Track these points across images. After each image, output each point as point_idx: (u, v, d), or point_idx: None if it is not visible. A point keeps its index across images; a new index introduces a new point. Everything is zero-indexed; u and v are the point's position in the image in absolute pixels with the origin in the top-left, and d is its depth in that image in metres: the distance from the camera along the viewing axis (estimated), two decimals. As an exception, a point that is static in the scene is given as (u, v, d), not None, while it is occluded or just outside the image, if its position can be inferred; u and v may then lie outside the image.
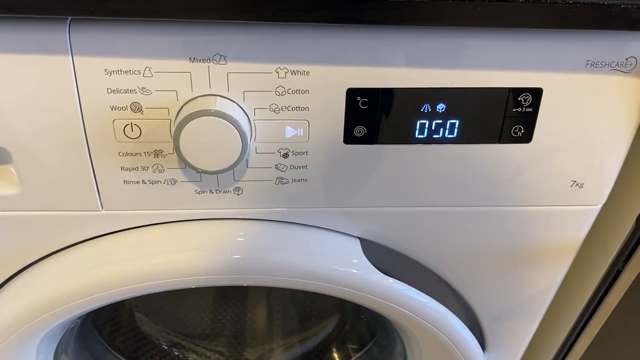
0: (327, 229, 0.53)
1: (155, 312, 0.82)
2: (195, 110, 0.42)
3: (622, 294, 0.59)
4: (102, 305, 0.53)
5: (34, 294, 0.51)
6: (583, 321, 0.64)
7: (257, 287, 0.86)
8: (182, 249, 0.51)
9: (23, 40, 0.40)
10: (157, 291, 0.53)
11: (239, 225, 0.51)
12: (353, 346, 0.81)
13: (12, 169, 0.47)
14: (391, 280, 0.54)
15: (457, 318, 0.58)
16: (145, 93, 0.43)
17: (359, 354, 0.83)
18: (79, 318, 0.69)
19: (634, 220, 0.55)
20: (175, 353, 0.83)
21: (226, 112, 0.42)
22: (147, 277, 0.51)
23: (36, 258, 0.52)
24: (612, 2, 0.38)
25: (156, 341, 0.82)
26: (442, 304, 0.58)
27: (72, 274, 0.51)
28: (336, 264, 0.52)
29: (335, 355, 0.86)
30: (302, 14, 0.38)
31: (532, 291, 0.60)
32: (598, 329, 0.63)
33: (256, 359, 0.86)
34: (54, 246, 0.51)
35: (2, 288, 0.53)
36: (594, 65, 0.44)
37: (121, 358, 0.78)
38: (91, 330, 0.76)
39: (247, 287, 0.85)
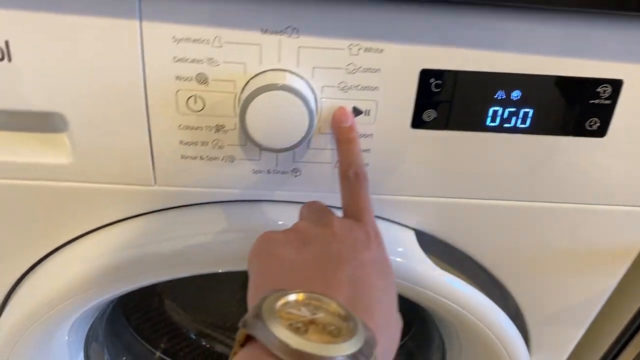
0: (383, 218, 0.51)
1: (185, 300, 0.80)
2: (264, 84, 0.40)
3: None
4: (144, 285, 0.52)
5: (76, 271, 0.50)
6: (632, 329, 0.62)
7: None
8: (232, 230, 0.49)
9: (90, 1, 0.38)
10: (202, 272, 0.51)
11: (292, 209, 0.49)
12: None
13: (66, 138, 0.45)
14: (441, 272, 0.52)
15: (506, 316, 0.56)
16: (212, 64, 0.41)
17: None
18: (109, 303, 0.68)
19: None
20: (203, 343, 0.82)
21: (295, 87, 0.40)
22: (191, 259, 0.49)
23: (83, 232, 0.50)
24: None
25: (184, 329, 0.80)
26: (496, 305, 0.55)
27: (113, 253, 0.49)
28: (390, 255, 0.50)
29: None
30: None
31: (585, 295, 0.58)
32: (649, 339, 0.61)
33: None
34: (101, 221, 0.49)
35: (45, 262, 0.52)
36: (679, 58, 0.42)
37: (149, 347, 0.76)
38: (120, 319, 0.74)
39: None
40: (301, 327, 0.27)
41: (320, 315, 0.28)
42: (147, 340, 0.78)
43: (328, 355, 0.25)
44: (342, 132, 0.43)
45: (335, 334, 0.27)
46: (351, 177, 0.41)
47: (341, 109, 0.43)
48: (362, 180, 0.41)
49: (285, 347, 0.25)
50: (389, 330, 0.33)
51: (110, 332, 0.72)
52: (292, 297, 0.29)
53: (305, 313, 0.28)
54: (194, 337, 0.82)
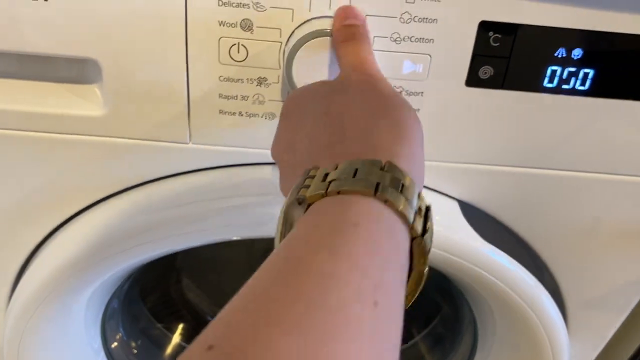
0: (426, 187, 0.48)
1: (202, 280, 0.78)
2: (313, 30, 0.37)
3: None
4: (168, 252, 0.49)
5: (105, 231, 0.47)
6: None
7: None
8: (265, 193, 0.46)
9: None
10: (233, 238, 0.49)
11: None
12: (416, 324, 0.76)
13: (97, 90, 0.43)
14: (483, 243, 0.49)
15: (547, 292, 0.54)
16: (259, 9, 0.38)
17: (422, 334, 0.77)
18: (128, 278, 0.65)
19: None
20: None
21: (347, 35, 0.37)
22: (218, 222, 0.47)
23: (112, 192, 0.47)
24: None
25: (201, 312, 0.78)
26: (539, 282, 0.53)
27: (143, 213, 0.47)
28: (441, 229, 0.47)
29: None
30: None
31: (629, 278, 0.55)
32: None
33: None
34: (133, 180, 0.47)
35: (76, 218, 0.49)
36: None
37: (165, 331, 0.74)
38: (137, 300, 0.71)
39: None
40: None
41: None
42: (163, 323, 0.75)
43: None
44: (349, 28, 0.37)
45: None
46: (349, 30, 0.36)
47: (347, 7, 0.38)
48: (363, 32, 0.36)
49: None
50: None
51: (127, 312, 0.69)
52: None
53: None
54: (210, 318, 0.79)
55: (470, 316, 0.65)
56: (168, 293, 0.76)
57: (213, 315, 0.75)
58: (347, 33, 0.36)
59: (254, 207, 0.46)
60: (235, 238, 0.48)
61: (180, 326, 0.77)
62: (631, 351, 0.65)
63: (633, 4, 0.39)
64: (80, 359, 0.58)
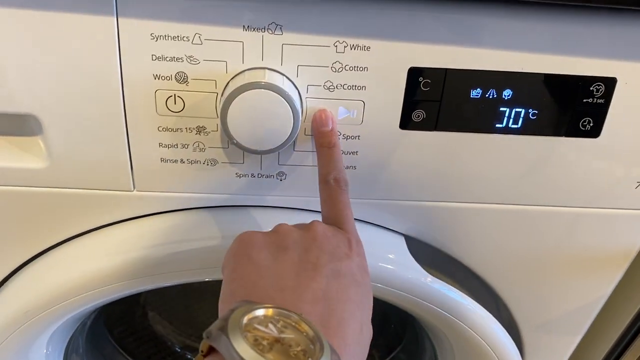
0: (372, 223, 0.49)
1: (169, 311, 0.78)
2: (246, 82, 0.38)
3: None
4: (124, 295, 0.50)
5: (54, 280, 0.47)
6: (629, 336, 0.61)
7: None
8: (213, 237, 0.47)
9: (66, -4, 0.37)
10: (184, 282, 0.49)
11: (279, 215, 0.48)
12: (377, 352, 0.77)
13: (40, 141, 0.43)
14: (432, 279, 0.50)
15: (499, 324, 0.55)
16: (192, 62, 0.39)
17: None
18: (91, 313, 0.65)
19: (695, 229, 0.51)
20: (189, 357, 0.79)
21: (279, 85, 0.38)
22: (172, 267, 0.47)
23: (59, 240, 0.48)
24: None
25: (169, 343, 0.78)
26: (486, 311, 0.54)
27: (94, 260, 0.47)
28: (380, 262, 0.48)
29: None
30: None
31: (581, 301, 0.56)
32: (646, 346, 0.59)
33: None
34: (79, 228, 0.47)
35: (21, 271, 0.49)
36: (674, 56, 0.41)
37: None
38: (102, 330, 0.72)
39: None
40: (265, 345, 0.26)
41: (287, 335, 0.27)
42: (130, 354, 0.75)
43: None
44: (322, 136, 0.41)
45: (299, 357, 0.26)
46: (331, 183, 0.39)
47: (322, 111, 0.42)
48: (342, 186, 0.39)
49: None
50: (361, 346, 0.33)
51: (92, 344, 0.70)
52: (260, 312, 0.28)
53: (272, 330, 0.27)
54: (179, 349, 0.79)
55: (431, 349, 0.65)
56: (134, 327, 0.76)
57: (181, 346, 0.75)
58: (322, 141, 0.41)
59: (201, 251, 0.46)
60: (187, 281, 0.49)
61: (148, 355, 0.78)
62: (588, 372, 0.66)
63: (551, 47, 0.40)
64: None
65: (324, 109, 0.42)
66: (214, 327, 0.27)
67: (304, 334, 0.27)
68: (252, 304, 0.28)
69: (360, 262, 0.37)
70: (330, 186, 0.39)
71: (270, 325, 0.27)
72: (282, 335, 0.27)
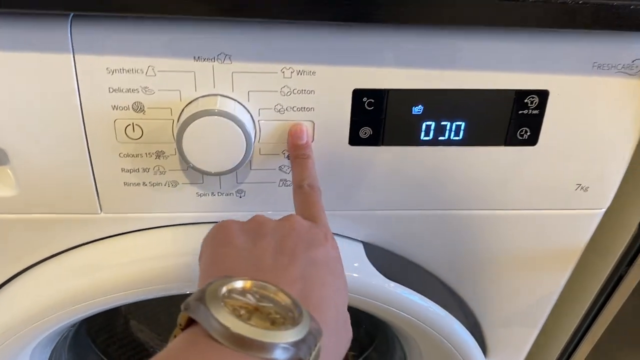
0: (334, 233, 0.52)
1: (151, 318, 0.80)
2: (198, 110, 0.41)
3: (625, 299, 0.59)
4: (98, 311, 0.52)
5: (29, 300, 0.50)
6: (585, 326, 0.64)
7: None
8: (180, 254, 0.49)
9: (23, 36, 0.39)
10: (154, 297, 0.51)
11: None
12: (352, 352, 0.80)
13: (9, 171, 0.45)
14: (393, 284, 0.53)
15: (459, 322, 0.58)
16: (147, 93, 0.42)
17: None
18: (72, 326, 0.68)
19: (637, 224, 0.55)
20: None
21: (229, 111, 0.41)
22: (142, 284, 0.50)
23: (33, 262, 0.50)
24: (621, 2, 0.38)
25: (151, 349, 0.80)
26: (445, 308, 0.57)
27: (67, 280, 0.50)
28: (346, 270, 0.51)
29: None
30: (310, 12, 0.37)
31: (535, 296, 0.60)
32: (600, 335, 0.63)
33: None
34: (51, 250, 0.50)
35: (-2, 293, 0.52)
36: (601, 67, 0.44)
37: (116, 366, 0.76)
38: (85, 339, 0.74)
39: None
40: (244, 314, 0.26)
41: (266, 304, 0.27)
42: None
43: (268, 341, 0.25)
44: (297, 149, 0.43)
45: (279, 322, 0.26)
46: (306, 188, 0.41)
47: (297, 125, 0.44)
48: (316, 192, 0.41)
49: (225, 330, 0.24)
50: (338, 332, 0.33)
51: (75, 354, 0.72)
52: (238, 283, 0.28)
53: (250, 300, 0.27)
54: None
55: (401, 349, 0.68)
56: (117, 335, 0.79)
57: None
58: (297, 153, 0.43)
59: (169, 268, 0.49)
60: (155, 296, 0.51)
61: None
62: (549, 361, 0.70)
63: (486, 64, 0.43)
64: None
65: (299, 123, 0.44)
66: (191, 298, 0.27)
67: (283, 303, 0.28)
68: (230, 277, 0.29)
69: (335, 254, 0.38)
70: (305, 190, 0.41)
71: (249, 296, 0.27)
72: (261, 304, 0.27)
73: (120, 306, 0.77)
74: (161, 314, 0.82)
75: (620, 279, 0.58)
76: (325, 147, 0.46)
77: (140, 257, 0.49)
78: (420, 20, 0.40)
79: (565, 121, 0.46)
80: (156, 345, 0.81)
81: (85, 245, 0.50)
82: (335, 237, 0.51)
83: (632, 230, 0.55)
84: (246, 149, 0.42)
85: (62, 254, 0.50)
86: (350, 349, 0.82)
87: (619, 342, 0.63)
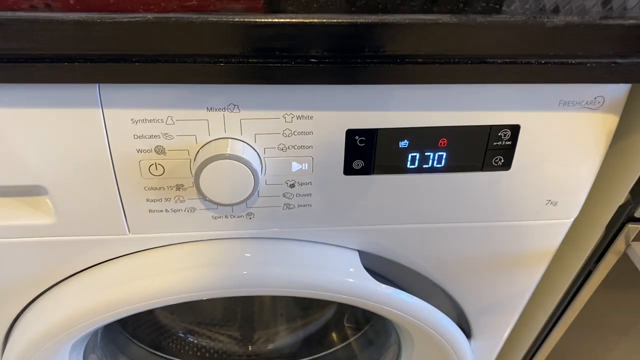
0: (329, 244, 0.59)
1: (172, 305, 0.89)
2: (211, 155, 0.47)
3: (593, 291, 0.66)
4: (127, 315, 0.60)
5: (70, 306, 0.58)
6: (558, 314, 0.72)
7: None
8: (199, 266, 0.57)
9: (60, 97, 0.45)
10: (176, 302, 0.59)
11: (249, 244, 0.57)
12: (350, 326, 0.89)
13: (48, 201, 0.52)
14: (384, 286, 0.61)
15: (444, 315, 0.65)
16: (167, 138, 0.48)
17: (356, 336, 0.90)
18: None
19: (604, 228, 0.61)
20: (190, 339, 0.91)
21: (238, 154, 0.47)
22: (167, 292, 0.57)
23: (70, 274, 0.58)
24: (578, 61, 0.44)
25: (173, 330, 0.89)
26: (432, 302, 0.64)
27: (103, 289, 0.57)
28: (335, 275, 0.58)
29: (334, 336, 0.93)
30: (307, 77, 0.43)
31: (512, 290, 0.67)
32: (571, 322, 0.70)
33: (265, 341, 0.93)
34: (86, 264, 0.57)
35: (38, 300, 0.60)
36: (566, 104, 0.50)
37: (143, 346, 0.85)
38: (116, 326, 0.83)
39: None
40: None
41: None
42: (142, 342, 0.87)
43: None
44: None
45: None
46: None
47: None
48: None
49: None
50: None
51: (106, 339, 0.81)
52: None
53: None
54: (182, 335, 0.91)
55: (395, 331, 0.77)
56: (142, 320, 0.87)
57: (185, 331, 0.87)
58: None
59: (191, 277, 0.56)
60: (177, 302, 0.59)
61: (155, 341, 0.90)
62: (526, 347, 0.78)
63: (463, 105, 0.49)
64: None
65: None
66: None
67: None
68: None
69: None
70: None
71: None
72: None
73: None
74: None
75: (589, 274, 0.66)
76: (323, 177, 0.52)
77: (163, 269, 0.57)
78: (406, 80, 0.45)
79: (535, 149, 0.52)
80: (178, 326, 0.90)
81: (116, 259, 0.58)
82: (334, 247, 0.59)
83: (600, 232, 0.62)
84: (254, 184, 0.49)
85: (95, 267, 0.58)
86: (350, 322, 0.91)
87: (587, 329, 0.71)
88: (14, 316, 0.62)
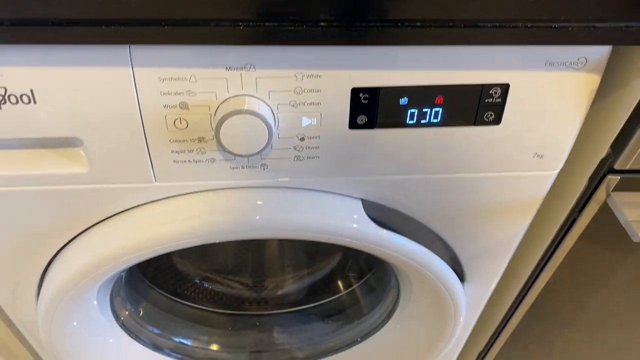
0: (335, 193, 0.65)
1: (187, 252, 0.96)
2: (230, 110, 0.52)
3: (577, 238, 0.73)
4: (153, 256, 0.66)
5: (100, 249, 0.64)
6: (546, 258, 0.78)
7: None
8: (216, 212, 0.63)
9: (96, 57, 0.50)
10: (195, 245, 0.65)
11: (262, 192, 0.63)
12: (354, 274, 0.96)
13: (82, 152, 0.58)
14: (385, 231, 0.67)
15: (440, 259, 0.72)
16: (190, 95, 0.53)
17: (359, 283, 0.97)
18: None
19: (587, 180, 0.67)
20: (205, 285, 0.98)
21: (255, 109, 0.53)
22: (187, 236, 0.63)
23: (100, 219, 0.64)
24: (562, 24, 0.49)
25: (189, 277, 0.97)
26: (428, 247, 0.71)
27: (131, 232, 0.64)
28: (341, 220, 0.64)
29: (339, 283, 1.01)
30: (317, 39, 0.48)
31: (503, 237, 0.73)
32: (557, 265, 0.77)
33: (274, 288, 1.01)
34: (114, 210, 0.63)
35: (71, 243, 0.66)
36: (552, 65, 0.55)
37: (163, 293, 0.93)
38: (137, 274, 0.90)
39: (264, 229, 0.99)
40: None
41: None
42: (160, 288, 0.94)
43: None
44: None
45: None
46: None
47: None
48: None
49: None
50: None
51: (129, 286, 0.88)
52: None
53: None
54: (197, 281, 0.98)
55: (395, 276, 0.83)
56: (161, 267, 0.94)
57: (200, 278, 0.94)
58: None
59: (210, 222, 0.62)
60: (199, 244, 0.65)
61: (174, 287, 0.97)
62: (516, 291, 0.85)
63: (461, 65, 0.54)
64: (99, 333, 0.77)
65: None
66: None
67: None
68: None
69: None
70: None
71: None
72: None
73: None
74: (195, 248, 0.97)
75: (573, 222, 0.72)
76: (330, 131, 0.58)
77: (185, 215, 0.63)
78: (408, 41, 0.50)
79: (523, 106, 0.57)
80: (192, 272, 0.97)
81: (142, 206, 0.64)
82: (338, 196, 0.65)
83: (584, 184, 0.68)
84: (268, 137, 0.54)
85: (123, 213, 0.64)
86: (353, 273, 0.99)
87: (573, 272, 0.77)
88: (49, 259, 0.68)
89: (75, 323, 0.73)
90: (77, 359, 0.77)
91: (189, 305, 0.99)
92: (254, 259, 1.01)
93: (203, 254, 0.97)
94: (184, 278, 0.97)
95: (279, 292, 1.02)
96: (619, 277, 0.81)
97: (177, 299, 0.97)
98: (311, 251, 1.01)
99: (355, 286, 0.96)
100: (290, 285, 1.03)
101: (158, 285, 0.93)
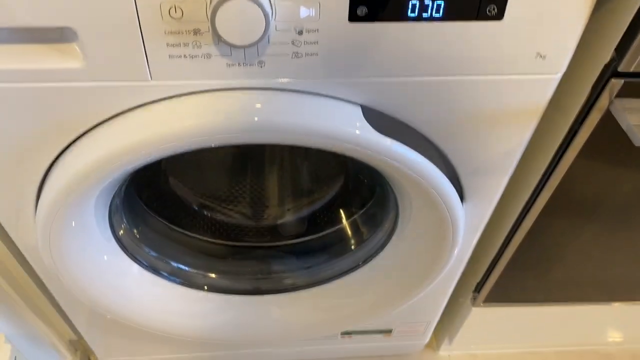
0: (334, 97, 0.64)
1: (186, 177, 0.95)
2: (227, -6, 0.51)
3: (579, 150, 0.72)
4: (149, 161, 0.66)
5: (97, 151, 0.63)
6: (547, 174, 0.77)
7: (271, 157, 0.99)
8: (213, 112, 0.62)
9: None
10: (191, 149, 0.65)
11: (260, 94, 0.62)
12: (354, 204, 0.96)
13: (77, 47, 0.57)
14: (388, 139, 0.66)
15: (441, 172, 0.71)
16: (186, -20, 0.52)
17: (360, 212, 0.97)
18: (124, 180, 0.82)
19: (590, 88, 0.66)
20: (205, 213, 0.98)
21: (252, -5, 0.51)
22: (183, 136, 0.62)
23: (97, 122, 0.63)
24: None
25: (187, 203, 0.96)
26: (429, 160, 0.70)
27: (125, 134, 0.63)
28: (339, 125, 0.64)
29: (342, 213, 1.00)
30: None
31: (503, 149, 0.72)
32: (559, 181, 0.76)
33: (274, 218, 1.00)
34: (110, 112, 0.63)
35: (69, 148, 0.65)
36: (557, -47, 0.53)
37: (161, 219, 0.93)
38: (133, 196, 0.89)
39: (262, 156, 0.98)
40: None
41: None
42: (158, 214, 0.94)
43: None
44: None
45: None
46: None
47: None
48: None
49: None
50: None
51: (127, 207, 0.88)
52: None
53: None
54: (196, 209, 0.98)
55: (394, 201, 0.83)
56: (159, 190, 0.94)
57: (199, 205, 0.94)
58: None
59: (206, 124, 0.62)
60: (196, 148, 0.64)
61: (171, 214, 0.97)
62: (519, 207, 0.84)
63: (461, -47, 0.52)
64: (96, 246, 0.77)
65: None
66: None
67: None
68: None
69: None
70: None
71: None
72: None
73: (161, 165, 0.92)
74: (193, 173, 0.97)
75: (575, 133, 0.71)
76: (329, 23, 0.56)
77: (181, 116, 0.62)
78: None
79: (526, 1, 0.56)
80: (190, 199, 0.97)
81: (137, 108, 0.63)
82: (337, 101, 0.64)
83: (587, 92, 0.67)
84: (265, 25, 0.53)
85: (118, 116, 0.63)
86: (353, 205, 0.98)
87: (575, 187, 0.77)
88: (47, 165, 0.68)
89: (72, 235, 0.73)
90: (74, 273, 0.77)
91: (187, 235, 0.99)
92: (254, 188, 1.00)
93: (202, 179, 0.97)
94: (183, 204, 0.96)
95: (279, 222, 1.02)
96: (619, 195, 0.80)
97: (175, 227, 0.97)
98: (311, 180, 1.01)
99: (356, 216, 0.96)
100: (290, 216, 1.02)
101: (156, 212, 0.93)
